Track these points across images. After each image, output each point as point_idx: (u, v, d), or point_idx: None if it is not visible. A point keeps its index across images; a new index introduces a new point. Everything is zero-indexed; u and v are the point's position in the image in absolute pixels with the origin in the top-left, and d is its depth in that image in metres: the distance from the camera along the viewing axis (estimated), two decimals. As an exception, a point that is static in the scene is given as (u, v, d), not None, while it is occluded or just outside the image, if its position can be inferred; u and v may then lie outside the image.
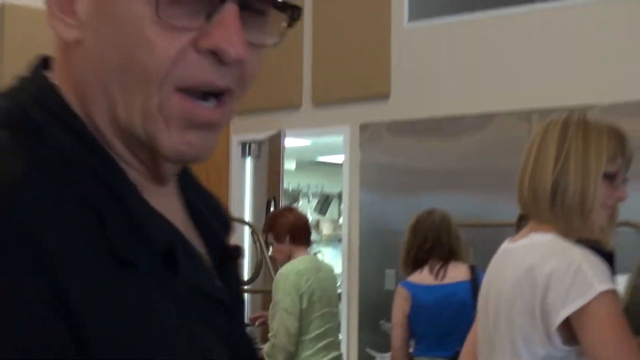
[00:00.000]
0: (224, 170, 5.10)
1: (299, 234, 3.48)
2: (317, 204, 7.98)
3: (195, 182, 0.71)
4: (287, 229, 3.47)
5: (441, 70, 4.29)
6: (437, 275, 3.17)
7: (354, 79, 4.53)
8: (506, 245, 1.62)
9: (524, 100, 3.87)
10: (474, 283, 2.99)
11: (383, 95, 4.37)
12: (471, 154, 4.08)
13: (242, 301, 0.74)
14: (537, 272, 1.47)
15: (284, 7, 0.57)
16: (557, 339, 1.42)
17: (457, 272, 3.14)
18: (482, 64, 4.13)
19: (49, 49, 0.71)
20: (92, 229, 0.51)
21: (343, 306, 4.42)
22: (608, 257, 1.69)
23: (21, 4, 4.49)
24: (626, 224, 2.81)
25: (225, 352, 0.61)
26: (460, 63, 4.19)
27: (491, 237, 2.36)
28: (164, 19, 0.51)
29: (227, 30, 0.52)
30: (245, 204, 4.99)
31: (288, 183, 6.69)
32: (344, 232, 4.84)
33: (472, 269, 3.10)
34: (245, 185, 5.10)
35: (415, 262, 3.21)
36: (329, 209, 8.03)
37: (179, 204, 0.66)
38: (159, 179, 0.60)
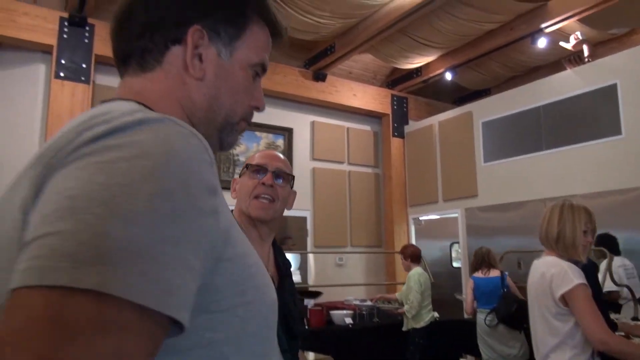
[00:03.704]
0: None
1: (415, 257, 4.62)
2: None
3: (280, 249, 1.27)
4: (409, 254, 4.61)
5: (500, 183, 5.85)
6: (484, 273, 4.25)
7: (463, 189, 6.21)
8: (535, 262, 2.08)
9: (541, 193, 5.36)
10: (502, 278, 4.13)
11: (474, 195, 6.15)
12: (517, 219, 5.61)
13: (287, 288, 1.22)
14: (546, 274, 1.96)
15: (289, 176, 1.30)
16: (559, 303, 1.90)
17: (493, 273, 4.25)
18: (519, 178, 5.60)
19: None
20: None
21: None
22: (589, 267, 2.14)
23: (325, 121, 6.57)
24: (600, 251, 3.96)
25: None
26: (508, 179, 5.74)
27: (531, 258, 2.38)
28: (250, 177, 1.30)
29: (263, 180, 1.29)
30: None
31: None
32: (462, 254, 6.27)
33: (501, 272, 4.23)
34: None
35: (476, 268, 4.36)
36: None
37: (269, 251, 1.25)
38: (259, 236, 1.23)
